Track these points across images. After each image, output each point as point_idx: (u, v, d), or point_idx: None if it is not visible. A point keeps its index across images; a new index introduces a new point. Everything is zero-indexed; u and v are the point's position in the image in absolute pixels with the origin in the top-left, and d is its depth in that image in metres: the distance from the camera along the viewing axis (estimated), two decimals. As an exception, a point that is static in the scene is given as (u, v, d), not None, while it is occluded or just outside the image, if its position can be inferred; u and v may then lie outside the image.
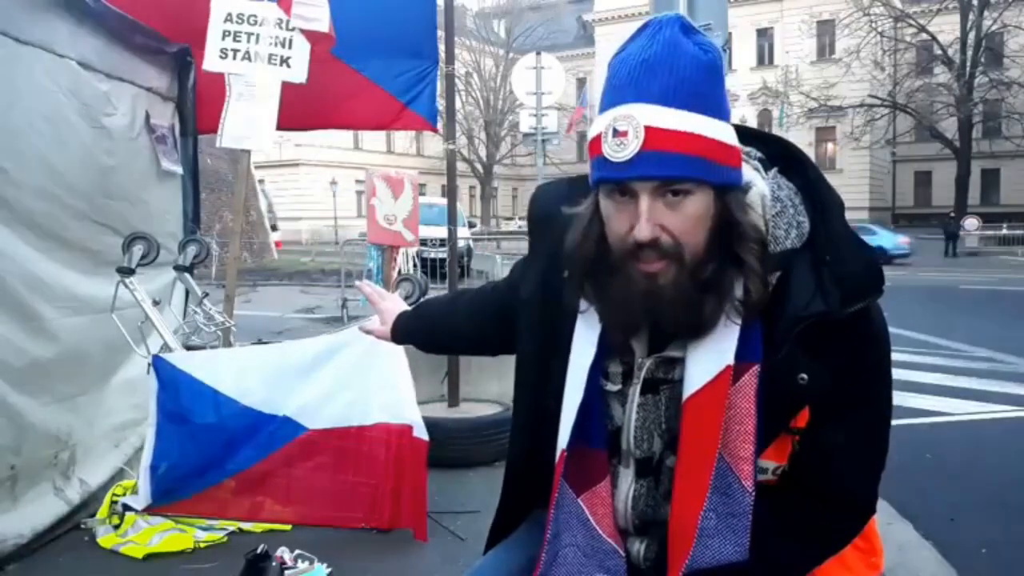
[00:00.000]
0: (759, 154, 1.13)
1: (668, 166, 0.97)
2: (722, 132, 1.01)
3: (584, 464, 1.15)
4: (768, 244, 1.05)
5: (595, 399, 1.13)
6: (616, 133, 0.98)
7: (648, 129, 0.96)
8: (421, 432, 3.11)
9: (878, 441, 1.11)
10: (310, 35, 3.73)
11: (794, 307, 1.03)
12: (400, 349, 3.18)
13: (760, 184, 1.08)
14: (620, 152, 0.97)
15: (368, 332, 1.74)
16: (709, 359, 1.04)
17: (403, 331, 1.65)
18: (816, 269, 1.04)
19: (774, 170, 1.12)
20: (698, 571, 1.05)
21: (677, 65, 0.98)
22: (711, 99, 1.00)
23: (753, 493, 1.03)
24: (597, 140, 1.01)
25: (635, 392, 1.13)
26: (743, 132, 1.14)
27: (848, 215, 1.12)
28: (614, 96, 1.01)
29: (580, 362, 1.13)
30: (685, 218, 0.99)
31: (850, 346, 1.04)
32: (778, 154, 1.14)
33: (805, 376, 1.03)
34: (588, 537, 1.15)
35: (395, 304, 1.69)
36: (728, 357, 1.02)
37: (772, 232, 1.06)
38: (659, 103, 0.97)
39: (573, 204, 1.14)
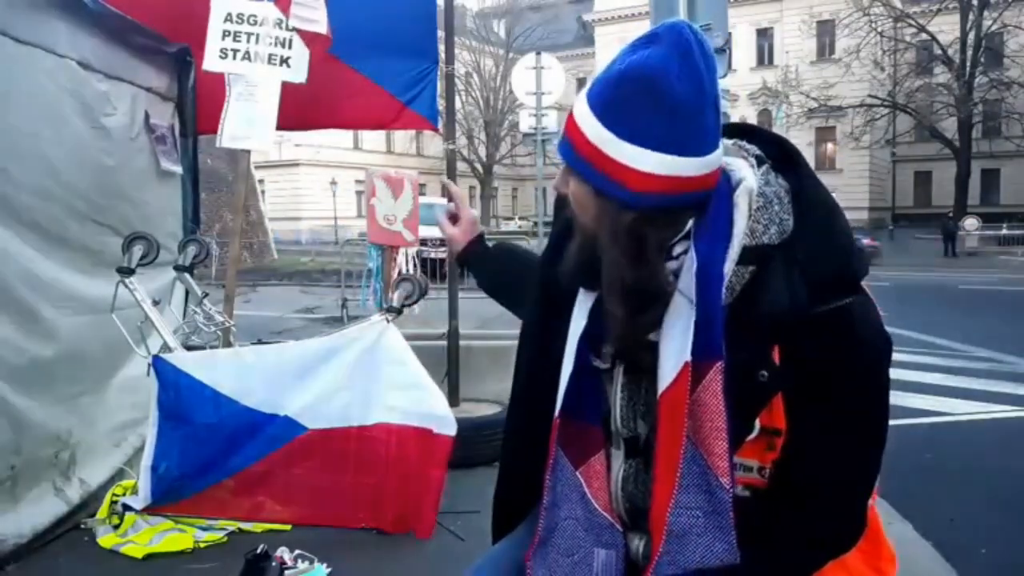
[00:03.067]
0: (756, 151, 1.13)
1: (563, 149, 1.07)
2: (624, 153, 1.02)
3: (580, 438, 1.17)
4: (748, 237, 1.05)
5: (586, 373, 1.15)
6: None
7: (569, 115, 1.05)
8: (446, 428, 3.09)
9: (862, 452, 1.08)
10: (306, 36, 3.73)
11: (762, 304, 1.03)
12: (407, 348, 3.17)
13: (750, 179, 1.08)
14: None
15: (443, 230, 1.68)
16: (673, 354, 1.04)
17: (478, 255, 1.63)
18: (788, 268, 1.04)
19: (765, 166, 1.12)
20: (692, 571, 1.05)
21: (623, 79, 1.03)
22: (631, 118, 1.02)
23: (731, 490, 1.03)
24: None
25: (619, 372, 1.16)
26: (747, 130, 1.15)
27: (848, 215, 1.11)
28: None
29: (574, 333, 1.16)
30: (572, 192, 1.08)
31: (824, 348, 1.02)
32: (775, 153, 1.14)
33: (765, 373, 1.03)
34: (585, 510, 1.17)
35: (477, 224, 1.67)
36: (686, 354, 1.02)
37: (751, 225, 1.05)
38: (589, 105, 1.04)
39: None
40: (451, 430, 3.09)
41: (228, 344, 3.76)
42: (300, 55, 3.74)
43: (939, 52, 31.58)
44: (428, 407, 3.12)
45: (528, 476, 1.27)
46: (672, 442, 1.05)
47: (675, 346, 1.04)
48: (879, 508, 1.17)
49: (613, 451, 1.18)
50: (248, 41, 3.67)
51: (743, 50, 38.45)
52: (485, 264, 1.64)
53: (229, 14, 3.65)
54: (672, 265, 1.04)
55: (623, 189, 1.02)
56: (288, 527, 3.18)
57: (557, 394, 1.17)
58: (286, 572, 2.76)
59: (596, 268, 1.07)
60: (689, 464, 1.04)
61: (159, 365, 3.14)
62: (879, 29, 31.03)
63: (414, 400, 3.13)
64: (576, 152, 1.03)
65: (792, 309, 1.02)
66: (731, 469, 1.03)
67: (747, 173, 1.08)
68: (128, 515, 3.11)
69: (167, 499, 3.17)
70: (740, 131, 1.15)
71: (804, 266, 1.03)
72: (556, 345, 1.18)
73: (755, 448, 1.07)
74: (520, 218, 40.52)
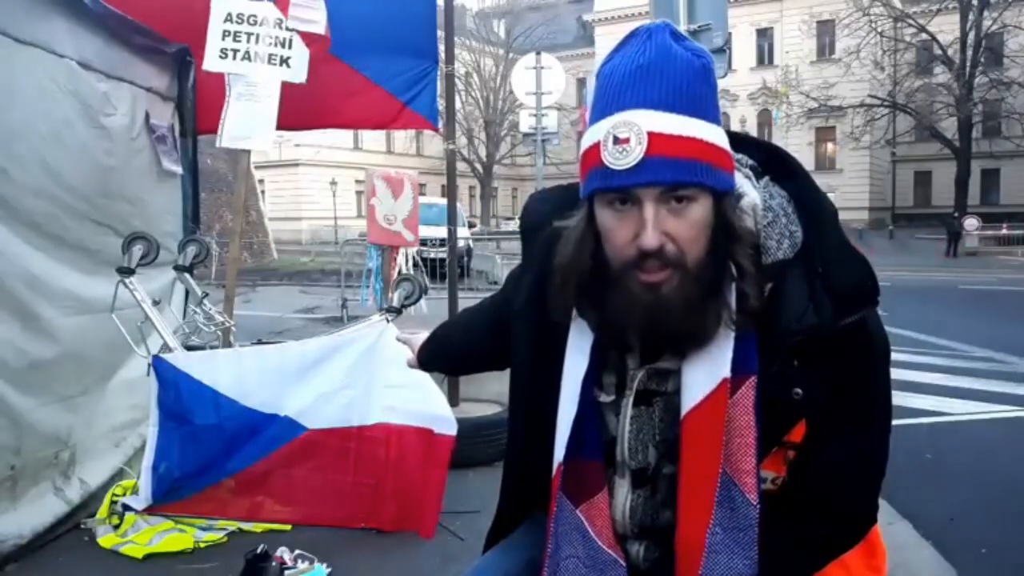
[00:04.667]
0: (751, 161, 1.12)
1: (674, 171, 0.95)
2: (719, 137, 1.00)
3: (581, 476, 1.14)
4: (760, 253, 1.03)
5: (589, 410, 1.12)
6: (617, 140, 0.96)
7: (651, 134, 0.95)
8: (446, 427, 3.08)
9: (877, 453, 1.09)
10: (306, 36, 3.73)
11: (787, 320, 1.01)
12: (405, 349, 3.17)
13: (752, 193, 1.06)
14: (623, 159, 0.95)
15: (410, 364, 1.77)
16: (705, 372, 1.02)
17: (425, 358, 1.68)
18: (809, 280, 1.02)
19: (766, 178, 1.10)
20: None
21: (673, 70, 0.97)
22: (707, 104, 0.99)
23: (758, 506, 1.02)
24: (595, 150, 0.99)
25: (628, 404, 1.12)
26: (734, 138, 1.12)
27: (848, 215, 1.11)
28: (609, 104, 0.99)
29: (573, 373, 1.12)
30: (690, 225, 0.98)
31: (847, 360, 1.02)
32: (769, 161, 1.13)
33: (800, 391, 1.02)
34: (588, 548, 1.14)
35: (422, 334, 1.72)
36: (724, 370, 1.01)
37: (764, 242, 1.04)
38: (659, 108, 0.95)
39: (565, 213, 1.13)
40: (451, 430, 3.08)
41: (228, 344, 3.76)
42: (300, 55, 3.74)
43: (939, 52, 31.55)
44: (428, 407, 3.12)
45: (528, 509, 1.28)
46: (703, 461, 1.03)
47: (707, 364, 1.02)
48: (879, 507, 1.17)
49: (616, 480, 1.15)
50: (248, 41, 3.67)
51: (743, 50, 38.45)
52: (436, 358, 1.69)
53: (229, 14, 3.65)
54: None
55: (731, 175, 1.03)
56: (288, 527, 3.18)
57: (554, 435, 1.14)
58: (286, 572, 2.76)
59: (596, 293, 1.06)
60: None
61: (159, 365, 3.14)
62: (879, 29, 31.00)
63: (413, 400, 3.13)
64: (702, 163, 0.97)
65: (820, 324, 1.00)
66: (758, 485, 1.02)
67: (746, 187, 1.07)
68: (128, 515, 3.11)
69: (167, 499, 3.17)
70: (730, 140, 1.11)
71: (826, 279, 1.02)
72: (551, 387, 1.15)
73: (772, 461, 1.07)
74: (520, 218, 40.40)
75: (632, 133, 0.95)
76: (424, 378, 3.14)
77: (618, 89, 0.98)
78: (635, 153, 0.95)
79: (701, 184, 0.97)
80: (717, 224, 1.00)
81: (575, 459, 1.12)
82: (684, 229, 0.98)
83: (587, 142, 1.01)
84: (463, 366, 1.84)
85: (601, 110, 1.00)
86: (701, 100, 0.98)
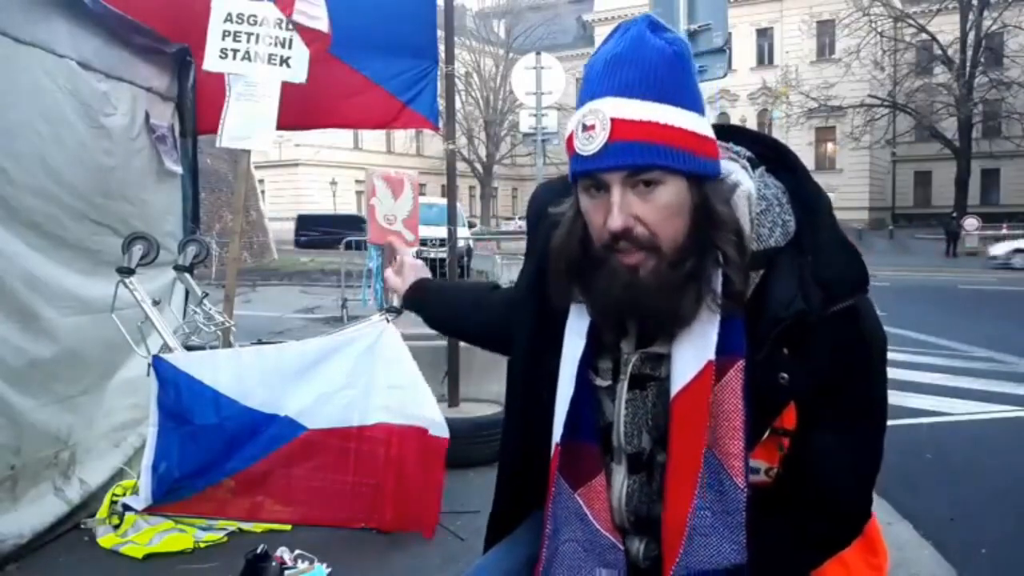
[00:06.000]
0: (748, 153, 1.13)
1: (633, 155, 0.98)
2: (691, 122, 1.01)
3: (578, 459, 1.15)
4: (747, 238, 1.05)
5: (585, 393, 1.14)
6: (585, 128, 1.00)
7: (614, 120, 0.98)
8: (439, 431, 3.10)
9: (870, 446, 1.10)
10: (306, 34, 3.73)
11: (775, 306, 1.03)
12: (404, 349, 3.18)
13: (747, 182, 1.08)
14: (589, 145, 1.00)
15: (386, 282, 1.69)
16: (692, 355, 1.04)
17: (414, 299, 1.61)
18: (799, 268, 1.04)
19: (761, 168, 1.12)
20: (699, 572, 1.05)
21: (642, 58, 1.00)
22: (678, 89, 1.01)
23: (746, 490, 1.03)
24: (570, 138, 1.04)
25: (622, 388, 1.14)
26: (734, 131, 1.15)
27: (848, 215, 1.12)
28: (585, 94, 1.03)
29: (571, 355, 1.15)
30: (657, 208, 1.01)
31: (835, 348, 1.03)
32: (768, 154, 1.14)
33: (786, 375, 1.03)
34: (587, 532, 1.15)
35: (422, 268, 1.66)
36: (709, 352, 1.02)
37: (756, 230, 1.06)
38: (624, 95, 0.99)
39: (559, 201, 1.17)
40: (444, 433, 3.10)
41: (228, 344, 3.76)
42: (300, 55, 3.74)
43: (939, 52, 31.60)
44: (421, 409, 3.13)
45: (525, 502, 1.28)
46: (688, 443, 1.04)
47: (694, 347, 1.04)
48: (879, 507, 1.17)
49: (614, 466, 1.17)
50: (248, 41, 3.67)
51: (743, 50, 38.49)
52: (425, 306, 1.61)
53: (229, 14, 3.65)
54: None
55: (713, 162, 1.04)
56: (288, 527, 3.18)
57: (551, 421, 1.16)
58: (286, 572, 2.76)
59: (587, 277, 1.07)
60: (704, 464, 1.04)
61: (159, 365, 3.14)
62: (879, 29, 31.03)
63: (409, 401, 3.14)
64: (667, 147, 0.99)
65: (807, 310, 1.01)
66: (746, 469, 1.03)
67: (742, 177, 1.08)
68: (128, 515, 3.11)
69: (167, 499, 3.16)
70: (726, 132, 1.14)
71: (815, 267, 1.03)
72: (549, 371, 1.17)
73: (765, 449, 1.07)
74: (520, 218, 40.45)
75: (597, 120, 0.99)
76: (419, 379, 3.16)
77: (592, 80, 1.02)
78: (599, 139, 0.99)
79: (666, 167, 0.99)
80: (698, 209, 1.02)
81: (572, 441, 1.14)
82: (652, 212, 1.01)
83: (567, 131, 1.06)
84: (459, 331, 1.77)
85: (579, 102, 1.05)
86: (670, 86, 1.00)
